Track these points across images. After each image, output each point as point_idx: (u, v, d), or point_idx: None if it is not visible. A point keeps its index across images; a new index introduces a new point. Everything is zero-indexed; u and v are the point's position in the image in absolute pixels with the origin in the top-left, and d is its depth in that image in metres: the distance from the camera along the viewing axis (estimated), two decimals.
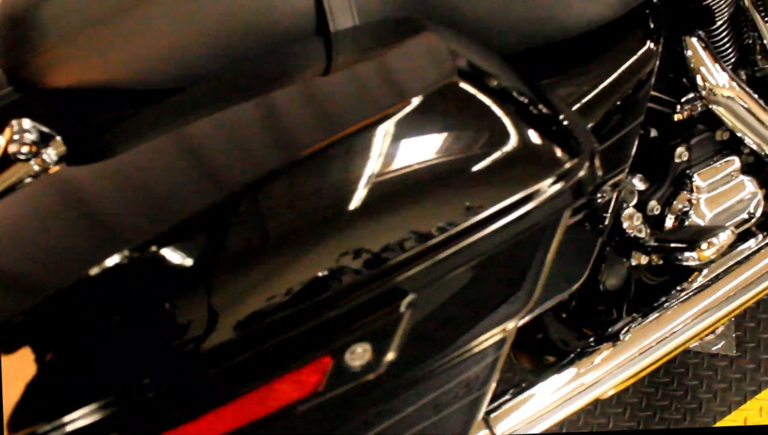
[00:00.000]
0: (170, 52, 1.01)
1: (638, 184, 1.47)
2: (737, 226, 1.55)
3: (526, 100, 0.94)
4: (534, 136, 0.90)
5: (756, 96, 1.50)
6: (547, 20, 1.15)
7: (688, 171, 1.50)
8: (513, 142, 0.89)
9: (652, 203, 1.47)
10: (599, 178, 0.94)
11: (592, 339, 1.41)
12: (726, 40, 1.52)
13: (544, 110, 0.95)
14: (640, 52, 1.28)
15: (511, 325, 0.98)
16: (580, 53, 1.23)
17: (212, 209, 0.79)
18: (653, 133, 1.50)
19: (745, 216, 1.55)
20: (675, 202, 1.49)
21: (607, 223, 1.34)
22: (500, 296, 0.96)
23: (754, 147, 1.53)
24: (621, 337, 1.41)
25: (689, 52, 1.46)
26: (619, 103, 1.26)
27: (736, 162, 1.53)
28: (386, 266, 0.81)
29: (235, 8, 1.02)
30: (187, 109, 0.96)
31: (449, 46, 0.96)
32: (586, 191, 0.92)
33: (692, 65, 1.46)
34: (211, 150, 0.89)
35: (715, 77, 1.46)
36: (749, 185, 1.54)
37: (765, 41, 1.54)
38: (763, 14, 1.56)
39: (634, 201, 1.43)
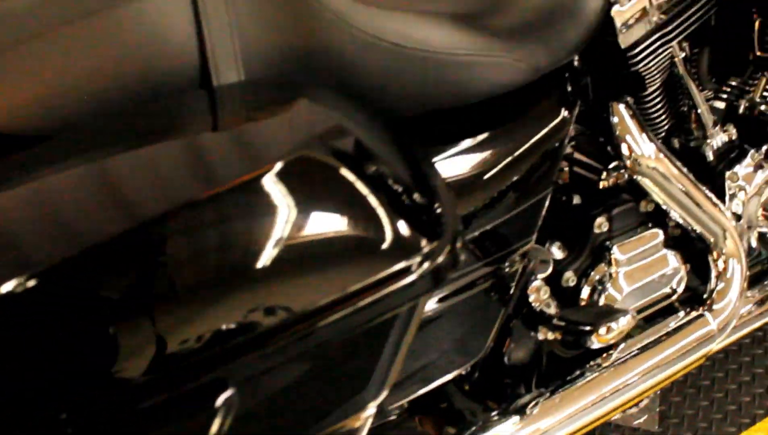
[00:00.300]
0: (43, 98, 0.95)
1: (557, 252, 1.42)
2: (661, 300, 1.50)
3: (389, 176, 0.87)
4: (389, 217, 0.83)
5: (684, 168, 1.44)
6: (448, 84, 1.10)
7: (607, 242, 1.44)
8: (365, 223, 0.83)
9: (568, 274, 1.42)
10: (461, 263, 0.88)
11: (496, 412, 1.35)
12: (658, 107, 1.47)
13: (409, 188, 0.88)
14: (551, 120, 1.22)
15: (366, 413, 0.91)
16: (487, 118, 1.18)
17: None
18: (576, 200, 1.45)
19: (667, 290, 1.49)
20: (592, 275, 1.43)
21: (512, 293, 1.28)
22: (350, 385, 0.89)
23: (680, 220, 1.47)
24: (528, 411, 1.35)
25: (615, 119, 1.41)
26: (526, 171, 1.21)
27: (659, 235, 1.48)
28: (205, 355, 0.75)
29: (115, 55, 0.96)
30: (49, 160, 0.90)
31: (321, 114, 0.91)
32: (446, 278, 0.86)
33: (617, 133, 1.40)
34: (60, 206, 0.84)
35: (641, 147, 1.40)
36: (672, 260, 1.48)
37: (699, 110, 1.49)
38: (697, 82, 1.51)
39: (548, 271, 1.37)
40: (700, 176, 1.52)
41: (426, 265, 0.83)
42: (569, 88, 1.28)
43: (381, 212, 0.83)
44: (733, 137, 1.53)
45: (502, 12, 1.17)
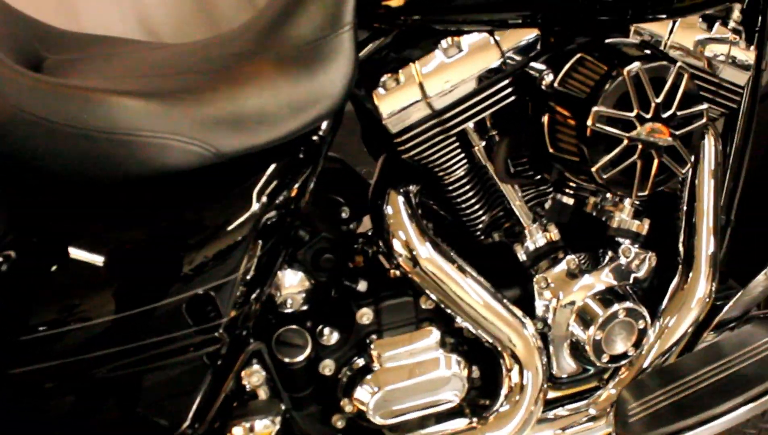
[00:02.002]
0: None
1: (334, 337, 1.36)
2: (442, 404, 1.39)
3: None
4: None
5: (468, 268, 1.34)
6: (104, 162, 1.09)
7: (373, 335, 1.36)
8: None
9: (327, 362, 1.35)
10: None
11: None
12: (466, 198, 1.37)
13: None
14: (233, 204, 1.18)
15: None
16: (165, 198, 1.17)
17: None
18: (362, 286, 1.38)
19: (446, 395, 1.38)
20: (353, 366, 1.36)
21: (220, 372, 1.25)
22: None
23: (468, 325, 1.36)
24: None
25: (390, 209, 1.33)
26: (213, 253, 1.18)
27: (433, 335, 1.37)
28: None
29: None
30: None
31: None
32: None
33: (388, 226, 1.33)
34: None
35: (414, 245, 1.32)
36: (448, 364, 1.37)
37: (511, 205, 1.38)
38: (511, 175, 1.39)
39: (302, 356, 1.31)
40: (511, 278, 1.41)
41: None
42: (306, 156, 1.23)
43: None
44: (554, 238, 1.40)
45: (207, 94, 1.14)
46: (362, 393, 1.34)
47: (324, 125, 1.24)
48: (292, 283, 1.33)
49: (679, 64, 1.24)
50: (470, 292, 1.34)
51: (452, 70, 1.28)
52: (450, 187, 1.36)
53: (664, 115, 1.25)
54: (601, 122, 1.22)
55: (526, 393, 1.37)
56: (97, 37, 1.44)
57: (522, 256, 1.40)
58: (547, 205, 1.44)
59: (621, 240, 1.43)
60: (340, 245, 1.38)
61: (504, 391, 1.39)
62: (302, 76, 1.18)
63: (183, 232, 1.17)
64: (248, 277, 1.20)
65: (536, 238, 1.39)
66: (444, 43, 1.28)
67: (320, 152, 1.26)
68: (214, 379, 1.25)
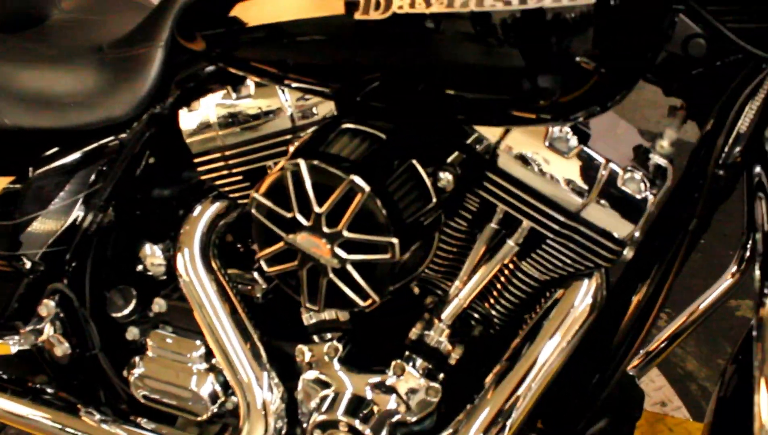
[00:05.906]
0: None
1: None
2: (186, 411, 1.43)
3: None
4: None
5: (239, 308, 1.36)
6: None
7: (166, 325, 1.45)
8: None
9: (133, 329, 1.47)
10: None
11: None
12: None
13: None
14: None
15: None
16: None
17: None
18: None
19: (184, 406, 1.42)
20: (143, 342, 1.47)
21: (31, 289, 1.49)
22: None
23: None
24: None
25: (195, 211, 1.37)
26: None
27: (198, 350, 1.40)
28: None
29: None
30: None
31: None
32: None
33: (181, 231, 1.38)
34: None
35: (191, 257, 1.36)
36: (198, 381, 1.39)
37: None
38: None
39: (117, 313, 1.48)
40: None
41: None
42: None
43: None
44: (340, 318, 1.29)
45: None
46: (132, 366, 1.47)
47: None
48: (153, 254, 1.48)
49: (351, 178, 1.04)
50: (222, 330, 1.34)
51: (238, 111, 1.26)
52: None
53: (327, 231, 1.08)
54: (260, 211, 1.12)
55: None
56: None
57: (306, 321, 1.32)
58: None
59: (414, 355, 1.25)
60: None
61: None
62: (105, 78, 1.33)
63: None
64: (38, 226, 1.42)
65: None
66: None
67: (122, 153, 1.39)
68: (26, 295, 1.50)
